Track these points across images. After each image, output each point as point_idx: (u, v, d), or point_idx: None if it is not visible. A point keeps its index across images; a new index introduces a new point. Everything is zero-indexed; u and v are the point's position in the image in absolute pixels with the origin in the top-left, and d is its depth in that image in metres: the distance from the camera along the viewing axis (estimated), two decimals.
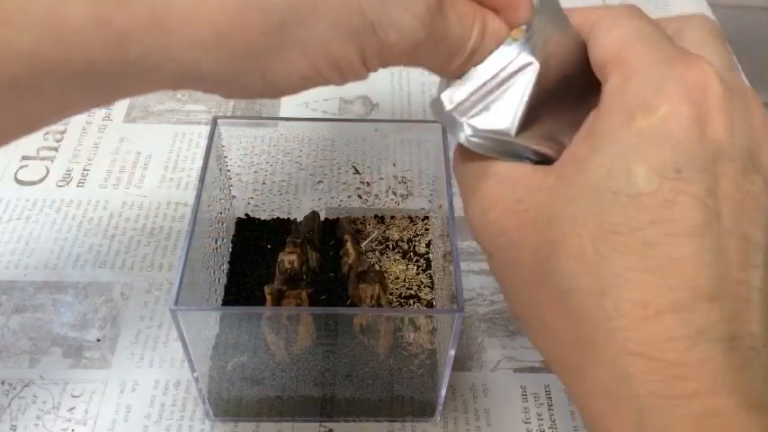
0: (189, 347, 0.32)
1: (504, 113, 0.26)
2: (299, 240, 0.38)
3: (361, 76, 0.25)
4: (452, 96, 0.27)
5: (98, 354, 0.39)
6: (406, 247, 0.42)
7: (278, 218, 0.44)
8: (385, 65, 0.25)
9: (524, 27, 0.26)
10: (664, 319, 0.22)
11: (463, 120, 0.27)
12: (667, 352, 0.21)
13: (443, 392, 0.35)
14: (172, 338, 0.40)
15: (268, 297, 0.35)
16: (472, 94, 0.26)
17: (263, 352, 0.34)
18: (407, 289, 0.40)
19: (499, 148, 0.27)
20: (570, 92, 0.27)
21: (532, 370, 0.40)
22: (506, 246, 0.26)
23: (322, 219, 0.43)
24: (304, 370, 0.35)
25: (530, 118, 0.26)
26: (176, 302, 0.30)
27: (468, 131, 0.27)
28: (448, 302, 0.34)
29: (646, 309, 0.22)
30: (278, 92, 0.25)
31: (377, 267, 0.41)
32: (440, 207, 0.39)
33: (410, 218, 0.44)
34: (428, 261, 0.42)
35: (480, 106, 0.26)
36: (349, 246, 0.39)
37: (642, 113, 0.23)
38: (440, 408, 0.36)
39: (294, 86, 0.24)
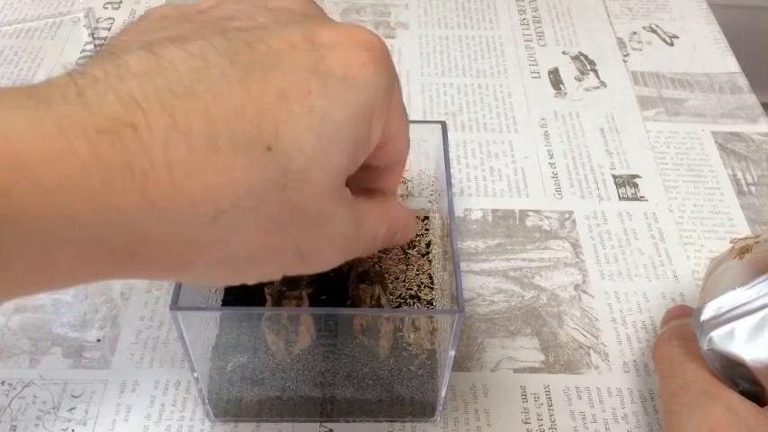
0: (189, 347, 0.32)
1: (744, 341, 0.30)
2: None
3: None
4: (711, 309, 0.31)
5: (98, 354, 0.39)
6: (405, 247, 0.42)
7: None
8: None
9: None
10: None
11: (711, 333, 0.31)
12: None
13: (443, 393, 0.35)
14: (172, 338, 0.40)
15: (268, 297, 0.35)
16: (726, 312, 0.30)
17: (263, 352, 0.34)
18: (407, 289, 0.40)
19: (725, 365, 0.31)
20: None
21: (532, 370, 0.40)
22: None
23: None
24: (304, 370, 0.35)
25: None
26: (176, 303, 0.30)
27: (710, 344, 0.31)
28: (448, 302, 0.34)
29: None
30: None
31: (377, 268, 0.41)
32: (439, 207, 0.39)
33: None
34: (428, 261, 0.42)
35: (728, 327, 0.30)
36: None
37: None
38: (440, 408, 0.36)
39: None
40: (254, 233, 0.22)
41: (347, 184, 0.25)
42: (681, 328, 0.35)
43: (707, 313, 0.31)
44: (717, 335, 0.30)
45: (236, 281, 0.24)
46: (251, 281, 0.24)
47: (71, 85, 0.20)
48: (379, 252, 0.42)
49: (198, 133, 0.20)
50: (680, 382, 0.32)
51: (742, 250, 0.34)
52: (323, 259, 0.26)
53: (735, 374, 0.31)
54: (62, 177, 0.18)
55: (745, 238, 0.35)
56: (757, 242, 0.34)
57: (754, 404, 0.30)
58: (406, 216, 0.31)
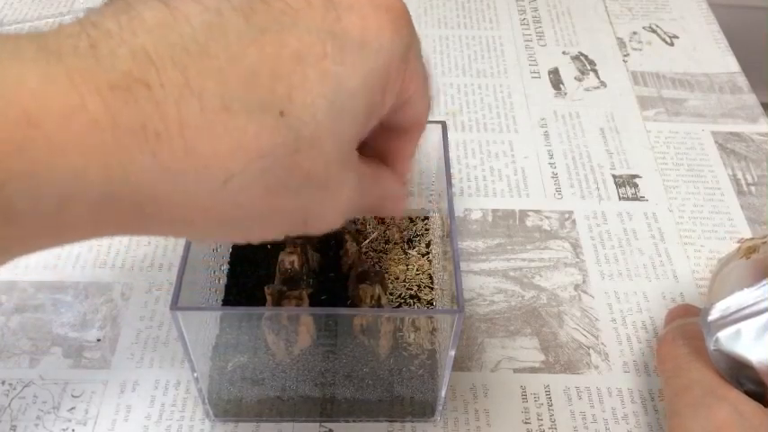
0: (189, 347, 0.32)
1: (750, 343, 0.30)
2: (299, 241, 0.38)
3: None
4: (719, 310, 0.31)
5: (98, 354, 0.39)
6: (406, 247, 0.42)
7: None
8: None
9: None
10: None
11: (717, 333, 0.30)
12: None
13: (443, 393, 0.35)
14: (172, 338, 0.40)
15: (268, 297, 0.35)
16: (733, 313, 0.31)
17: (263, 352, 0.34)
18: (407, 289, 0.40)
19: (731, 366, 0.30)
20: None
21: (532, 370, 0.40)
22: None
23: None
24: (304, 370, 0.35)
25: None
26: (176, 303, 0.30)
27: (717, 345, 0.31)
28: (448, 302, 0.34)
29: None
30: None
31: (377, 267, 0.41)
32: (439, 207, 0.39)
33: (410, 218, 0.44)
34: (428, 261, 0.42)
35: (734, 328, 0.30)
36: (349, 246, 0.39)
37: None
38: (440, 408, 0.36)
39: None
40: (263, 196, 0.22)
41: (361, 145, 0.25)
42: (685, 327, 0.35)
43: (714, 314, 0.31)
44: (723, 335, 0.30)
45: (237, 239, 0.24)
46: (253, 240, 0.24)
47: (83, 36, 0.19)
48: (379, 252, 0.42)
49: (211, 94, 0.20)
50: (685, 381, 0.32)
51: (749, 250, 0.34)
52: (326, 222, 0.25)
53: (740, 375, 0.31)
54: (74, 135, 0.18)
55: (752, 239, 0.35)
56: (764, 242, 0.34)
57: (760, 405, 0.30)
58: (398, 188, 0.30)
